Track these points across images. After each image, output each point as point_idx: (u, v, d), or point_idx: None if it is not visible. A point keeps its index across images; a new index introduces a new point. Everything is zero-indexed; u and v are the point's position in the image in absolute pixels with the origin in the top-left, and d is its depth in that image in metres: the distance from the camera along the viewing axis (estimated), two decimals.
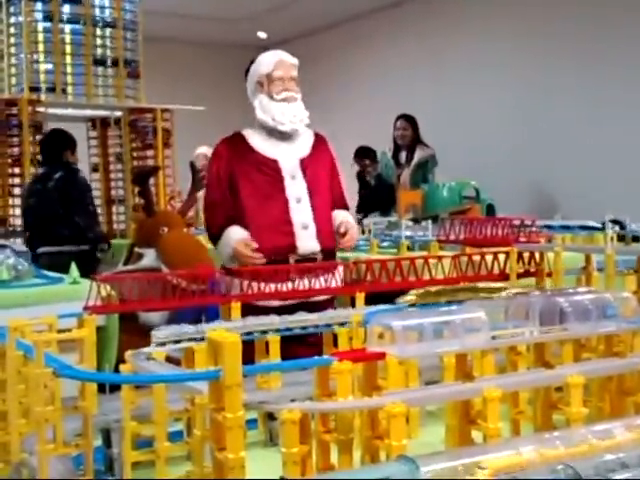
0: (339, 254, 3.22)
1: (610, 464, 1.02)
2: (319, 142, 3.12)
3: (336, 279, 2.33)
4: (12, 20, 5.29)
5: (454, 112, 7.78)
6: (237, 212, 2.93)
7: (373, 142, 7.29)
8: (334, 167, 3.18)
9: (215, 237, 2.91)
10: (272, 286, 2.21)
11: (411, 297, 2.07)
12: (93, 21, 5.43)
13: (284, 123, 2.96)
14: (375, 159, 6.70)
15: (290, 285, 2.25)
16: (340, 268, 2.37)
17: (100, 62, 5.48)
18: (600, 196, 6.09)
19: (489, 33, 7.67)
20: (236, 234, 2.87)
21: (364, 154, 6.91)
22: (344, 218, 3.08)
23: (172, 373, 1.28)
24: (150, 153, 5.50)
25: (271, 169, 2.95)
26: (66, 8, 5.39)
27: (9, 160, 4.93)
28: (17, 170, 4.95)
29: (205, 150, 6.22)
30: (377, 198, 6.41)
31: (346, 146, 7.13)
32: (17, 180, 4.97)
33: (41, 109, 5.12)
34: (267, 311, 2.68)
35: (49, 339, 1.34)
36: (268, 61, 3.04)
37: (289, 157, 2.99)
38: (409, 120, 6.42)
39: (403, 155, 6.31)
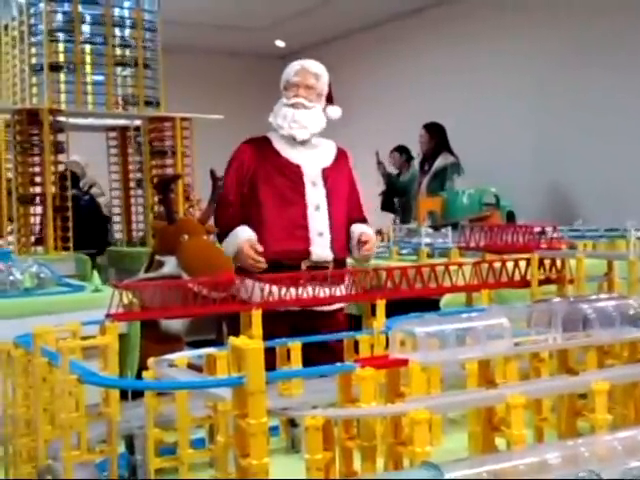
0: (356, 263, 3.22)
1: (635, 471, 1.01)
2: (341, 155, 3.15)
3: (341, 289, 2.33)
4: (33, 30, 5.34)
5: (476, 118, 7.74)
6: (254, 212, 2.95)
7: (388, 149, 7.34)
8: (353, 181, 3.21)
9: (222, 234, 2.92)
10: (293, 292, 2.22)
11: None
12: (113, 29, 5.47)
13: (283, 127, 2.99)
14: (377, 159, 6.92)
15: (311, 292, 2.25)
16: (347, 278, 2.36)
17: (120, 70, 5.52)
18: (622, 202, 6.05)
19: (512, 39, 7.63)
20: (244, 233, 2.88)
21: None
22: (364, 229, 3.10)
23: (196, 380, 1.29)
24: (170, 161, 5.52)
25: (294, 174, 2.98)
26: (86, 18, 5.44)
27: (30, 169, 4.97)
28: (38, 179, 4.99)
29: (78, 158, 6.61)
30: (384, 199, 6.75)
31: (367, 154, 7.19)
32: (38, 189, 5.01)
33: (62, 119, 5.16)
34: (271, 317, 2.71)
35: (74, 346, 1.35)
36: (291, 68, 3.11)
37: (312, 164, 3.01)
38: (427, 128, 6.50)
39: (425, 163, 6.42)
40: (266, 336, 1.80)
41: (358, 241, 3.04)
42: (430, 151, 6.43)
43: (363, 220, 3.22)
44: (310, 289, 2.21)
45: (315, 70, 3.10)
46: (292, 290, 2.20)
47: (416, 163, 6.70)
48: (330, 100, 3.17)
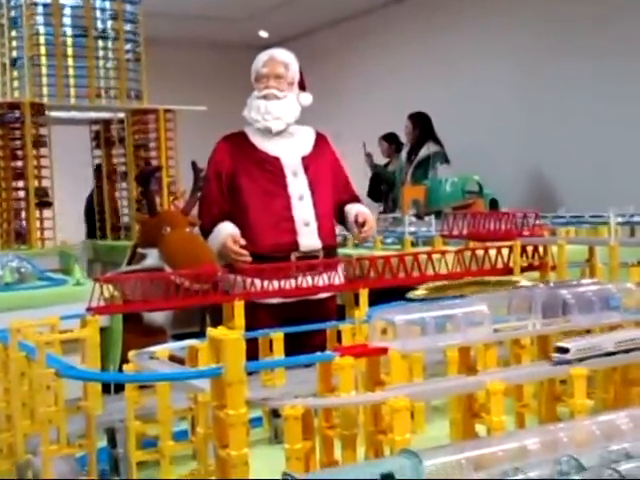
0: (342, 251, 3.21)
1: (614, 455, 1.02)
2: (320, 140, 3.11)
3: (339, 276, 2.33)
4: (13, 24, 5.29)
5: (458, 106, 7.74)
6: (238, 209, 2.93)
7: (373, 140, 7.33)
8: (338, 163, 3.16)
9: (206, 232, 2.90)
10: (275, 284, 2.21)
11: (422, 292, 2.06)
12: (95, 22, 5.43)
13: (257, 120, 2.97)
14: (364, 150, 7.03)
15: (293, 283, 2.24)
16: (342, 265, 2.37)
17: (102, 63, 5.48)
18: (605, 189, 6.07)
19: (496, 26, 7.63)
20: (227, 229, 2.87)
21: None
22: (360, 209, 3.07)
23: (174, 371, 1.28)
24: (153, 154, 5.49)
25: (273, 166, 2.95)
26: (67, 10, 5.39)
27: (12, 163, 4.93)
28: (19, 163, 4.94)
29: None
30: (371, 188, 6.79)
31: (350, 145, 7.18)
32: (21, 184, 4.97)
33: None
34: (268, 308, 2.71)
35: (51, 339, 1.34)
36: (259, 59, 3.07)
37: (291, 154, 2.99)
38: (412, 118, 6.51)
39: (412, 153, 6.42)
40: (259, 328, 1.80)
41: (355, 222, 3.01)
42: (415, 141, 6.44)
43: (355, 199, 3.19)
44: (292, 280, 2.21)
45: (283, 59, 3.06)
46: (274, 281, 2.20)
47: (403, 153, 6.70)
48: (302, 87, 3.14)
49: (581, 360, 1.28)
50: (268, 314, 2.68)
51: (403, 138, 6.84)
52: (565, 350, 1.28)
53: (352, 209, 3.06)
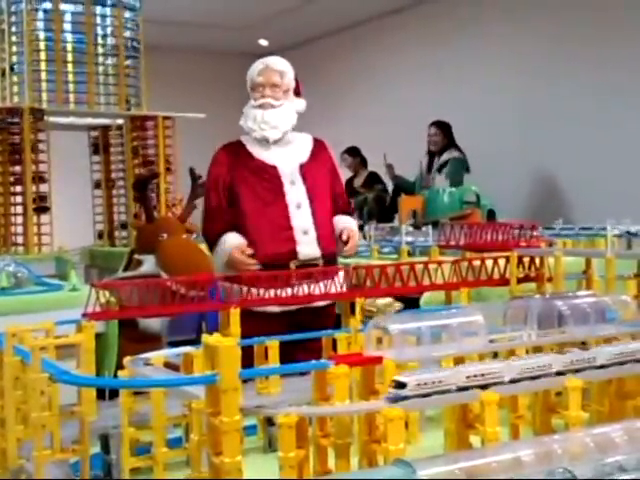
0: (340, 259, 3.21)
1: (608, 467, 1.01)
2: (318, 147, 3.11)
3: (336, 284, 2.33)
4: (14, 29, 5.31)
5: (462, 115, 7.72)
6: (237, 219, 2.93)
7: (375, 148, 7.33)
8: (335, 171, 3.16)
9: (212, 244, 2.91)
10: (272, 292, 2.21)
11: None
12: (95, 28, 5.45)
13: (254, 130, 2.97)
14: (385, 161, 6.92)
15: (290, 291, 2.24)
16: (340, 273, 2.36)
17: (101, 70, 5.49)
18: (604, 200, 6.07)
19: (496, 36, 7.64)
20: (232, 240, 2.87)
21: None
22: (346, 224, 3.07)
23: (168, 377, 1.28)
24: (152, 160, 5.50)
25: (271, 175, 2.95)
26: (67, 17, 5.41)
27: (11, 169, 4.93)
28: (18, 168, 4.94)
29: None
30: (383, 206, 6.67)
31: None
32: (19, 189, 4.97)
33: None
34: (267, 317, 2.70)
35: (46, 344, 1.34)
36: (254, 68, 3.07)
37: (288, 163, 2.99)
38: (439, 126, 6.45)
39: (434, 161, 6.36)
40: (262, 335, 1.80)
41: (339, 238, 3.02)
42: (441, 148, 6.38)
43: (345, 210, 3.19)
44: (289, 289, 2.21)
45: (279, 68, 3.06)
46: (271, 290, 2.19)
47: (424, 162, 6.61)
48: (297, 93, 3.14)
49: (423, 397, 1.16)
50: (268, 323, 2.67)
51: (409, 145, 6.76)
52: (402, 385, 1.15)
53: (339, 223, 3.07)
